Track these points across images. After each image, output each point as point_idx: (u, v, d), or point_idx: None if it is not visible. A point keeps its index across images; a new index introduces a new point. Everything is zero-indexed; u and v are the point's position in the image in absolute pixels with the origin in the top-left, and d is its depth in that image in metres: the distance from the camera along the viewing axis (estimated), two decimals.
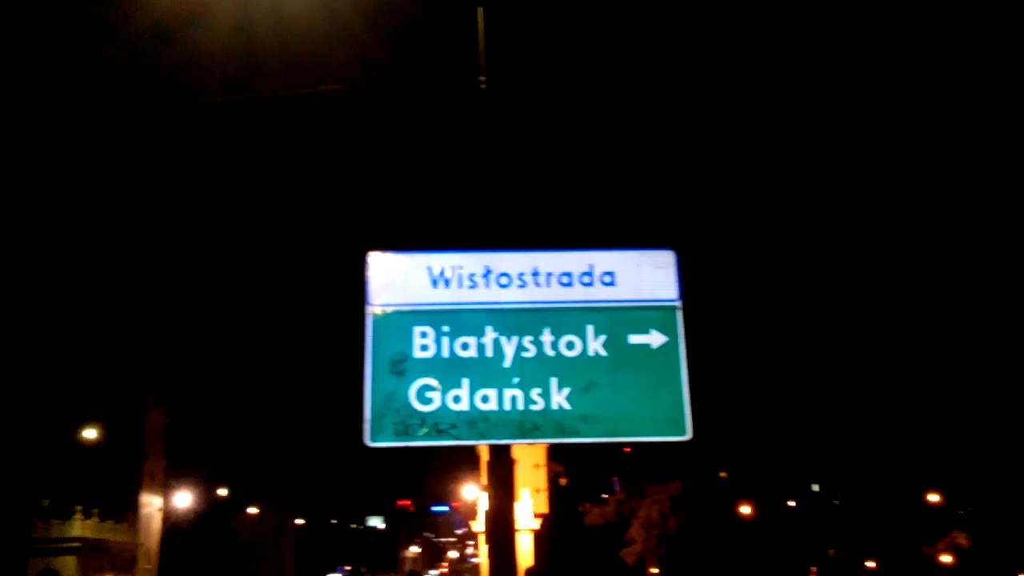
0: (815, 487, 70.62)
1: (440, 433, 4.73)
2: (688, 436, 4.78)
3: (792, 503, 67.16)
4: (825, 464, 67.09)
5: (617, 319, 4.93)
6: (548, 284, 4.98)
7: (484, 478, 7.90)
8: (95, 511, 53.83)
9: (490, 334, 4.87)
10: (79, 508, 52.65)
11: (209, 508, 74.58)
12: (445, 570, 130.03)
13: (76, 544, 51.63)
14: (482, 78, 5.76)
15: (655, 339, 4.90)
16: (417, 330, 4.87)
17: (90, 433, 51.67)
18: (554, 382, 4.80)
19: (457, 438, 4.74)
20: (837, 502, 69.09)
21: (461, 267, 5.00)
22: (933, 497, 62.54)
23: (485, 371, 4.81)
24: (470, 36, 5.80)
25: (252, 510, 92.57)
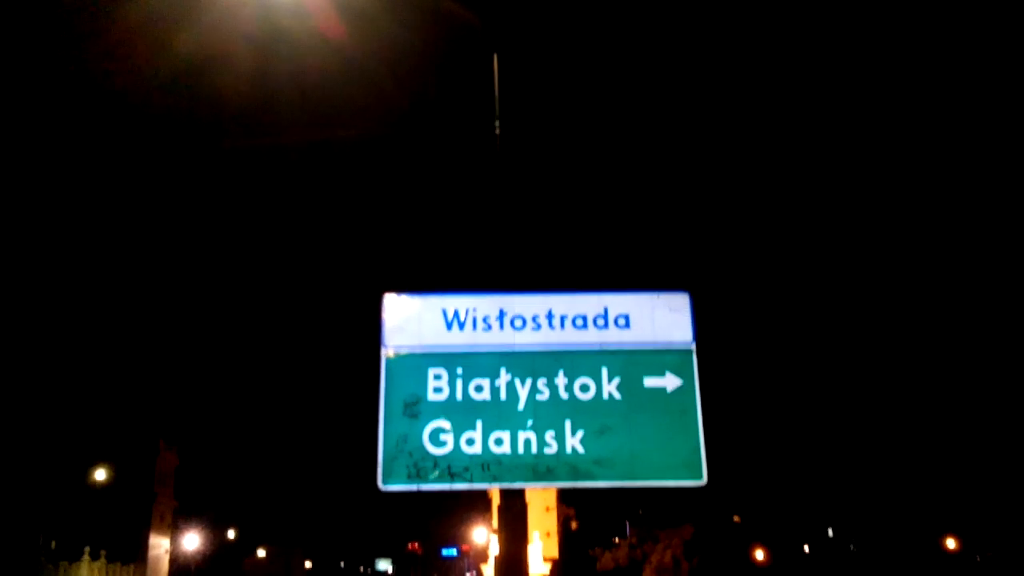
0: (830, 532, 69.62)
1: (453, 476, 4.70)
2: (704, 481, 4.74)
3: (807, 548, 66.21)
4: (841, 508, 66.24)
5: (632, 362, 4.90)
6: (562, 327, 4.97)
7: (495, 521, 7.82)
8: (103, 552, 53.49)
9: (504, 376, 4.85)
10: (87, 549, 52.34)
11: (218, 550, 74.00)
12: None
13: None
14: (497, 123, 5.82)
15: (670, 382, 4.87)
16: (431, 372, 4.86)
17: (100, 474, 51.55)
18: (568, 425, 4.77)
19: (470, 481, 4.70)
20: (853, 547, 68.02)
21: (475, 309, 5.00)
22: (950, 542, 61.63)
23: (499, 414, 4.78)
24: (486, 82, 5.87)
25: (261, 552, 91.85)
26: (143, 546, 59.31)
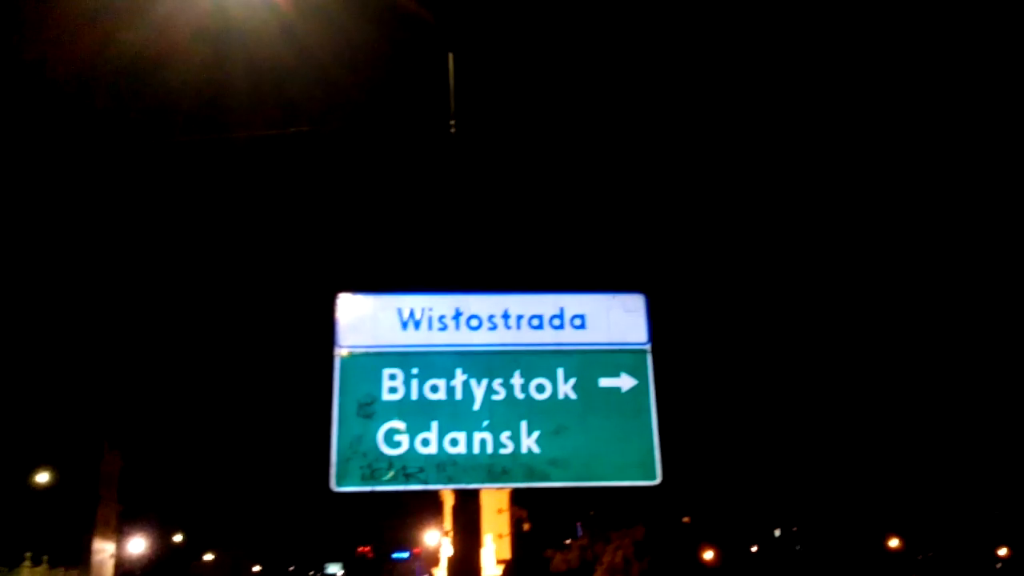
0: (777, 532, 70.69)
1: (408, 477, 4.67)
2: (658, 480, 4.77)
3: (755, 548, 67.17)
4: (787, 510, 67.31)
5: (587, 362, 4.92)
6: (518, 327, 4.97)
7: (448, 523, 7.79)
8: (45, 558, 52.25)
9: (460, 376, 4.83)
10: (28, 555, 51.08)
11: (164, 554, 72.80)
12: None
13: None
14: (452, 122, 5.80)
15: (625, 382, 4.90)
16: (386, 372, 4.82)
17: (42, 477, 50.36)
18: (524, 425, 4.77)
19: (425, 482, 4.68)
20: (799, 547, 69.13)
21: (431, 309, 4.97)
22: (893, 542, 63.01)
23: (454, 414, 4.76)
24: (441, 81, 5.85)
25: (208, 556, 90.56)
26: (87, 551, 58.06)
